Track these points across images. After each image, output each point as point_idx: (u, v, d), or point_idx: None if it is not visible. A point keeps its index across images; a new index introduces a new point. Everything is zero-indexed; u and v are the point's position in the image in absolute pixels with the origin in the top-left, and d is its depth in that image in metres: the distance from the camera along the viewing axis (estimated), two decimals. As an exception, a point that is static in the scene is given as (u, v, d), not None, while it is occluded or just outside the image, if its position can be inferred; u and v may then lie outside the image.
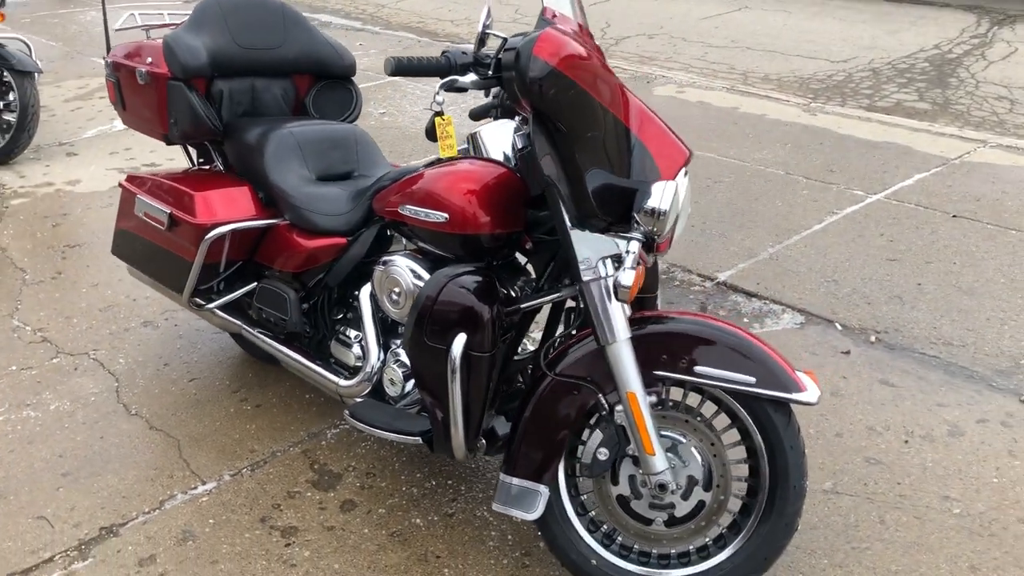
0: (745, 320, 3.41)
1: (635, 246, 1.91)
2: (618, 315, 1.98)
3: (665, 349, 2.02)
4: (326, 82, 3.05)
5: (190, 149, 3.09)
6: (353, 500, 2.53)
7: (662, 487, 2.00)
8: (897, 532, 2.36)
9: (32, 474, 2.65)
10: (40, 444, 2.79)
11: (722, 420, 2.08)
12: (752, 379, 1.96)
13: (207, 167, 3.04)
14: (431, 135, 2.01)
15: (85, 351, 3.29)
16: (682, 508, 2.07)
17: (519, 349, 2.44)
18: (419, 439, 2.24)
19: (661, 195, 1.87)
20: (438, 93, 1.95)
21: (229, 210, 2.65)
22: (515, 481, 2.10)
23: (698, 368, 1.99)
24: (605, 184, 1.91)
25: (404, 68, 1.93)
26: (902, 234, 4.07)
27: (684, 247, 3.99)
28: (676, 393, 2.09)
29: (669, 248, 2.08)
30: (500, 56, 1.97)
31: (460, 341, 2.03)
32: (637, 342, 2.02)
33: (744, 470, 2.08)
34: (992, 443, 2.70)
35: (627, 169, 1.92)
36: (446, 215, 2.16)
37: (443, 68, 1.97)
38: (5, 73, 5.12)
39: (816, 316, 3.42)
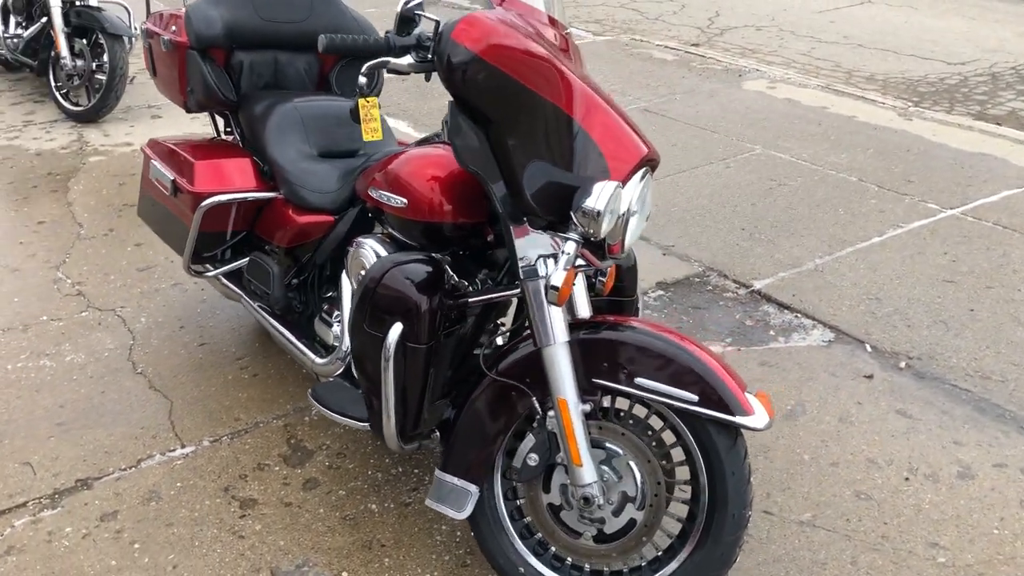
0: (771, 333, 3.23)
1: (571, 247, 1.82)
2: (557, 317, 1.90)
3: (608, 357, 1.92)
4: (350, 59, 3.04)
5: (217, 119, 3.14)
6: (317, 479, 2.53)
7: (586, 500, 1.91)
8: (868, 575, 2.19)
9: (31, 421, 2.77)
10: (46, 393, 2.90)
11: (670, 437, 1.97)
12: (694, 397, 1.84)
13: (230, 137, 3.09)
14: (355, 116, 1.96)
15: (112, 307, 3.41)
16: (612, 524, 1.97)
17: (494, 341, 2.38)
18: (367, 425, 2.22)
19: (599, 195, 1.76)
20: (362, 75, 1.90)
21: (226, 181, 2.68)
22: (448, 478, 2.05)
23: (639, 380, 1.88)
24: (544, 179, 1.82)
25: (337, 47, 1.89)
26: (968, 254, 3.77)
27: (726, 251, 3.81)
28: (627, 404, 1.99)
29: (623, 252, 1.96)
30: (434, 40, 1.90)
31: (396, 330, 1.98)
32: (582, 347, 1.93)
33: (687, 491, 1.96)
34: (1004, 490, 2.46)
35: (569, 164, 1.82)
36: (405, 200, 2.12)
37: (379, 48, 1.91)
38: (100, 36, 5.36)
39: (847, 335, 3.20)
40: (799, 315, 3.34)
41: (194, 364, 3.07)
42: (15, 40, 5.78)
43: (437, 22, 1.87)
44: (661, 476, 1.94)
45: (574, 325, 1.99)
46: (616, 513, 1.97)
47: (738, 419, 1.82)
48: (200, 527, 2.36)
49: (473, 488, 2.02)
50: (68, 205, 4.34)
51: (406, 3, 1.89)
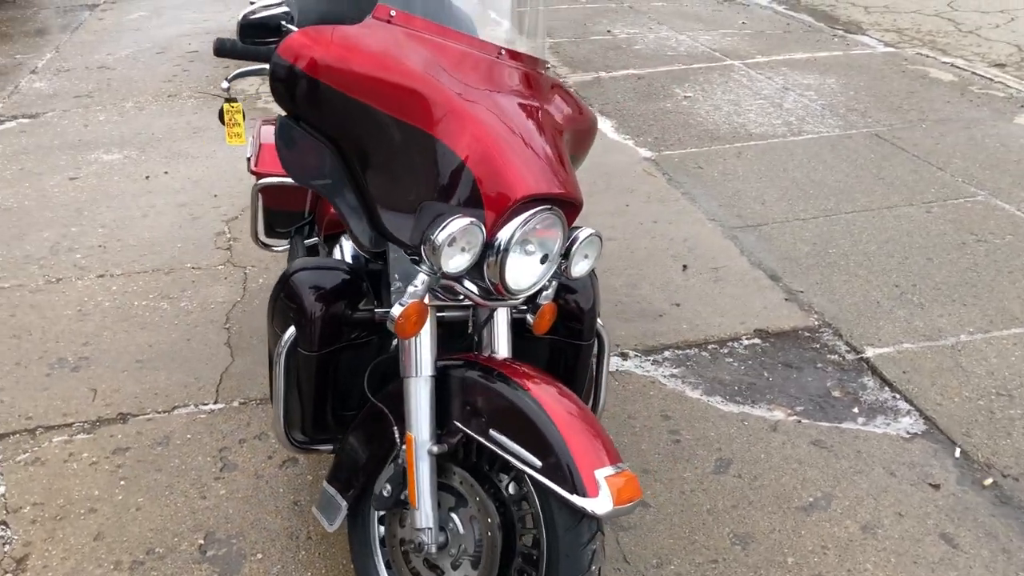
0: (853, 411, 2.80)
1: (420, 279, 1.73)
2: (424, 349, 1.82)
3: (472, 401, 1.81)
4: None
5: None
6: (298, 460, 2.63)
7: (418, 546, 1.82)
8: None
9: (121, 354, 3.16)
10: (147, 332, 3.29)
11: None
12: (538, 463, 1.69)
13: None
14: (221, 119, 1.97)
15: (245, 265, 3.76)
16: (449, 577, 1.87)
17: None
18: None
19: (443, 228, 1.64)
20: (227, 80, 1.90)
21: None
22: (328, 489, 2.05)
23: (493, 432, 1.75)
24: (400, 206, 1.74)
25: (227, 51, 1.90)
26: None
27: (859, 308, 3.33)
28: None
29: (510, 295, 1.81)
30: None
31: (289, 333, 2.01)
32: (459, 385, 1.83)
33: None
34: (1015, 666, 1.96)
35: (432, 192, 1.72)
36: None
37: (264, 55, 1.90)
38: None
39: (940, 431, 2.68)
40: (898, 396, 2.85)
41: (273, 329, 3.30)
42: None
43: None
44: (499, 538, 1.79)
45: (469, 363, 1.89)
46: (455, 566, 1.86)
47: (573, 498, 1.64)
48: (178, 479, 2.57)
49: (344, 504, 2.01)
50: (272, 167, 4.80)
51: (248, 12, 1.85)
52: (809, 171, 4.57)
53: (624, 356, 3.09)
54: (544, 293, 1.98)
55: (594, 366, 2.24)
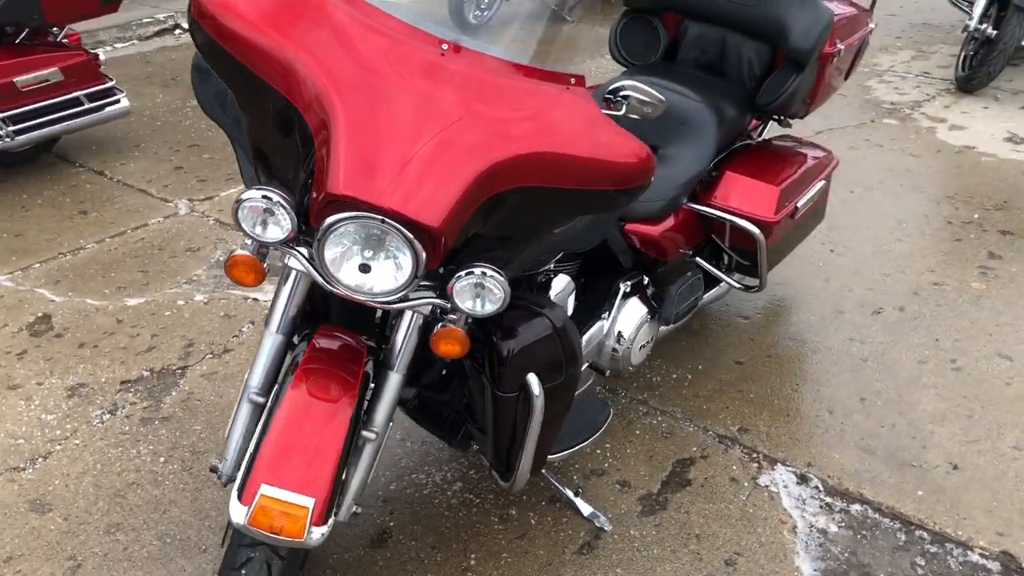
0: None
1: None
2: (280, 307, 1.91)
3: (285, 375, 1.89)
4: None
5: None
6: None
7: (213, 469, 1.98)
8: None
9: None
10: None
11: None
12: (253, 451, 1.78)
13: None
14: None
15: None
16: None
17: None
18: None
19: (243, 193, 1.70)
20: None
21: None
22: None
23: (272, 408, 1.84)
24: (267, 161, 1.82)
25: None
26: None
27: None
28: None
29: (348, 290, 1.77)
30: None
31: None
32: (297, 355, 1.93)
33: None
34: None
35: (287, 160, 1.77)
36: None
37: None
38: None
39: None
40: None
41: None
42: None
43: None
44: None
45: (335, 347, 1.91)
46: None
47: (232, 494, 1.69)
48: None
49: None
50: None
51: None
52: None
53: (803, 480, 2.43)
54: (448, 315, 1.86)
55: (522, 426, 1.97)
